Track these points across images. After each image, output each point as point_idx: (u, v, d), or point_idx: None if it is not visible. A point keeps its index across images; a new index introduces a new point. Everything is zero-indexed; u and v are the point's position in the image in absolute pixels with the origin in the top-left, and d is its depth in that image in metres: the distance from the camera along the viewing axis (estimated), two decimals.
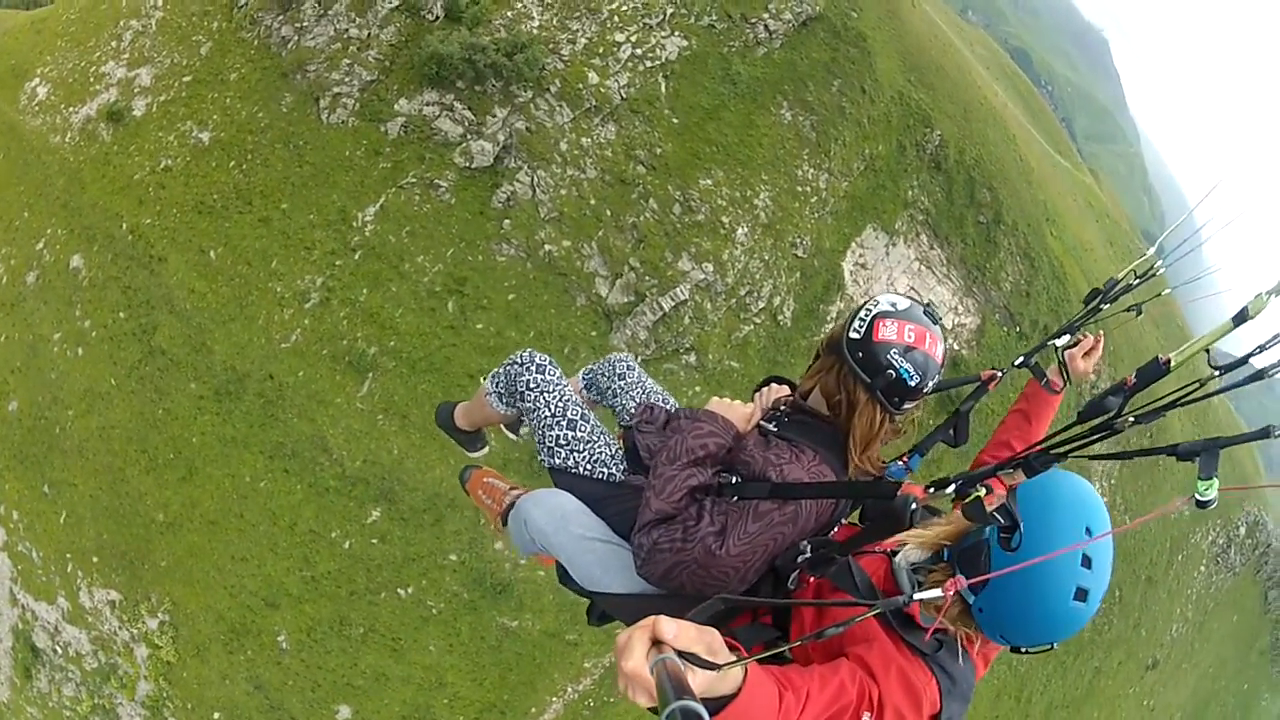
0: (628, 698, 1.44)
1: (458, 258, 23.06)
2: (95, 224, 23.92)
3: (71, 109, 25.12)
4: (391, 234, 22.84)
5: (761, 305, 23.24)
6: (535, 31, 21.64)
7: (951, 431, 3.52)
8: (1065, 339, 3.64)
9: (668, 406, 3.63)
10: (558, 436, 3.36)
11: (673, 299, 22.62)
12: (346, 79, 22.67)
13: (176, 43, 24.69)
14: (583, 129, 22.30)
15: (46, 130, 25.26)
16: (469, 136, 22.46)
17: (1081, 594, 2.10)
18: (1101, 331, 3.62)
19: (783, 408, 3.13)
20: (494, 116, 22.31)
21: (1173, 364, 2.47)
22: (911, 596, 1.96)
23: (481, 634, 23.89)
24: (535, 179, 22.44)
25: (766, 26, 23.29)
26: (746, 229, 22.89)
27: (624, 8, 22.13)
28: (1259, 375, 2.06)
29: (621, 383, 3.78)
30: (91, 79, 25.23)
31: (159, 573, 23.77)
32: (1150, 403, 2.25)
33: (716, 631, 1.57)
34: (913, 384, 2.81)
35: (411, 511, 22.91)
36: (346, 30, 22.74)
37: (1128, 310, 3.84)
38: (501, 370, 3.76)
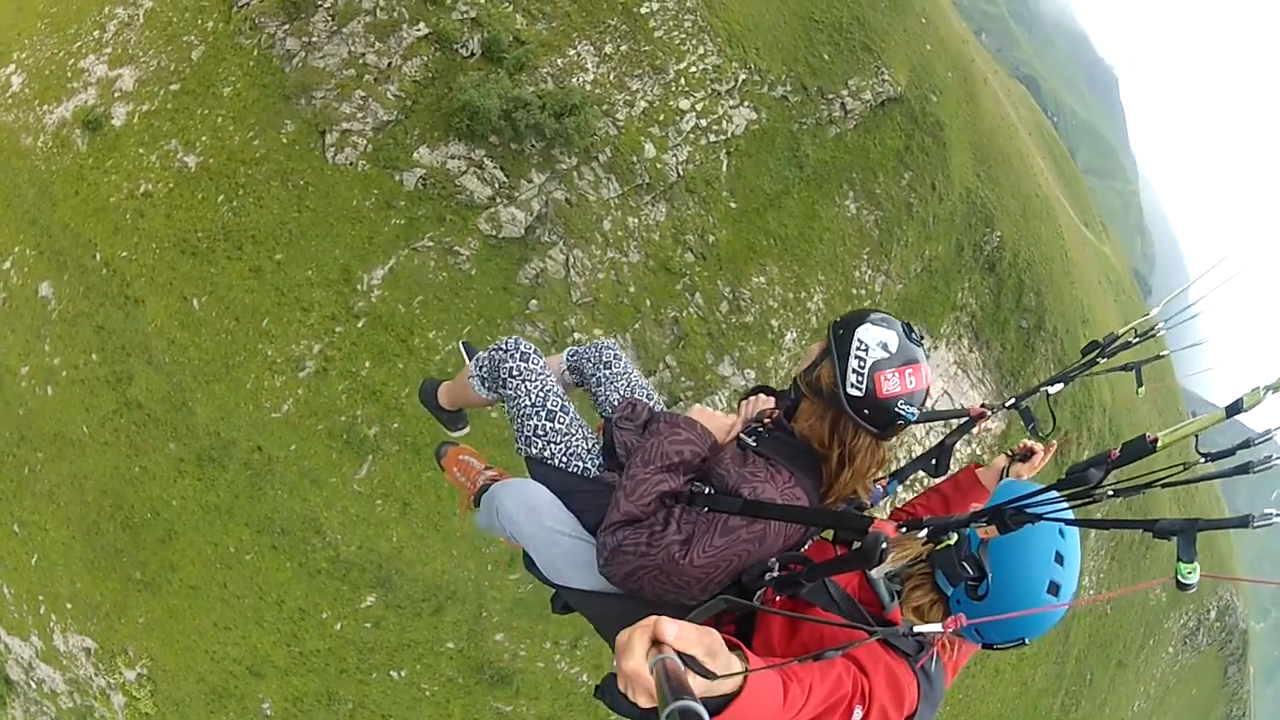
0: (630, 697, 1.13)
1: (475, 338, 16.16)
2: (66, 249, 16.64)
3: (46, 107, 17.36)
4: (401, 303, 15.88)
5: None
6: (589, 87, 14.24)
7: (934, 462, 2.79)
8: (1059, 387, 2.96)
9: (650, 404, 2.83)
10: (536, 427, 2.63)
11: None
12: (359, 114, 15.10)
13: (165, 41, 16.76)
14: (630, 207, 15.11)
15: (18, 129, 17.53)
16: (498, 201, 15.22)
17: (1054, 588, 1.81)
18: (1054, 444, 2.74)
19: (766, 423, 2.38)
20: (530, 181, 15.03)
21: (1160, 444, 1.84)
22: (912, 628, 1.61)
23: (475, 717, 18.23)
24: (571, 257, 15.40)
25: (843, 105, 16.04)
26: (795, 334, 16.17)
27: (693, 69, 14.71)
28: (1244, 468, 1.63)
29: (607, 371, 2.96)
30: (69, 74, 17.36)
31: (136, 628, 17.67)
32: (1131, 478, 1.69)
33: (716, 633, 1.23)
34: (914, 420, 2.20)
35: (409, 600, 16.91)
36: (363, 55, 15.00)
37: (1124, 369, 3.08)
38: (486, 355, 2.93)
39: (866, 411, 2.16)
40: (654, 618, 1.17)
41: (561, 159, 15.20)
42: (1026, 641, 1.93)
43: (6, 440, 17.86)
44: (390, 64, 15.53)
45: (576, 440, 2.65)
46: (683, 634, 1.17)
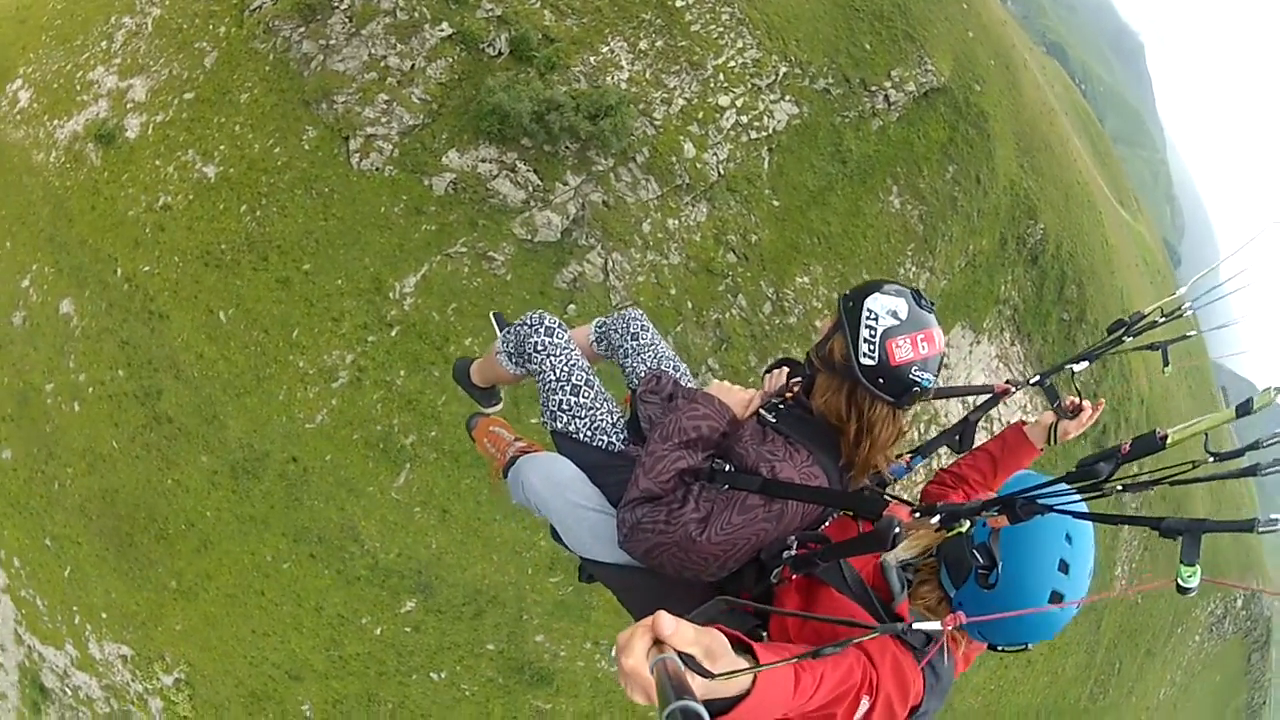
0: (628, 696, 1.07)
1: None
2: (85, 265, 15.39)
3: (56, 122, 15.96)
4: (435, 310, 14.73)
5: None
6: (624, 86, 12.96)
7: (958, 438, 2.66)
8: (1084, 365, 2.72)
9: (677, 375, 2.66)
10: (561, 401, 2.49)
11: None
12: (384, 119, 13.79)
13: (176, 49, 15.34)
14: (670, 208, 13.93)
15: (29, 145, 16.14)
16: (533, 204, 13.99)
17: (1057, 597, 1.68)
18: (1103, 401, 2.62)
19: (788, 398, 2.25)
20: (565, 184, 13.81)
21: (1169, 441, 1.80)
22: (911, 626, 1.54)
23: (514, 714, 17.57)
24: (609, 261, 14.25)
25: (887, 97, 14.80)
26: None
27: (732, 63, 13.43)
28: (1251, 470, 1.55)
29: (635, 343, 2.78)
30: (78, 86, 15.92)
31: (173, 635, 16.79)
32: (1139, 474, 1.61)
33: (718, 633, 1.16)
34: (930, 387, 2.06)
35: (449, 605, 16.02)
36: (384, 58, 13.65)
37: (1150, 348, 2.88)
38: (512, 330, 2.77)
39: (881, 380, 2.03)
40: (654, 616, 1.07)
41: (598, 160, 13.94)
42: (1029, 646, 1.82)
43: (35, 457, 16.74)
44: (414, 66, 14.15)
45: (601, 415, 2.51)
46: (680, 633, 1.07)
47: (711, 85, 14.11)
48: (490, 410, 3.52)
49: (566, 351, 2.60)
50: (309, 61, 14.87)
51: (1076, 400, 2.59)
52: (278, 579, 16.19)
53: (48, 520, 16.84)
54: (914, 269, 16.08)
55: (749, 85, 14.32)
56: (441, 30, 14.08)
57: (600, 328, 2.96)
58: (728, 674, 1.12)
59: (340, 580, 16.27)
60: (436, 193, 14.73)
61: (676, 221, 14.56)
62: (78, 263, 16.01)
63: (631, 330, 2.83)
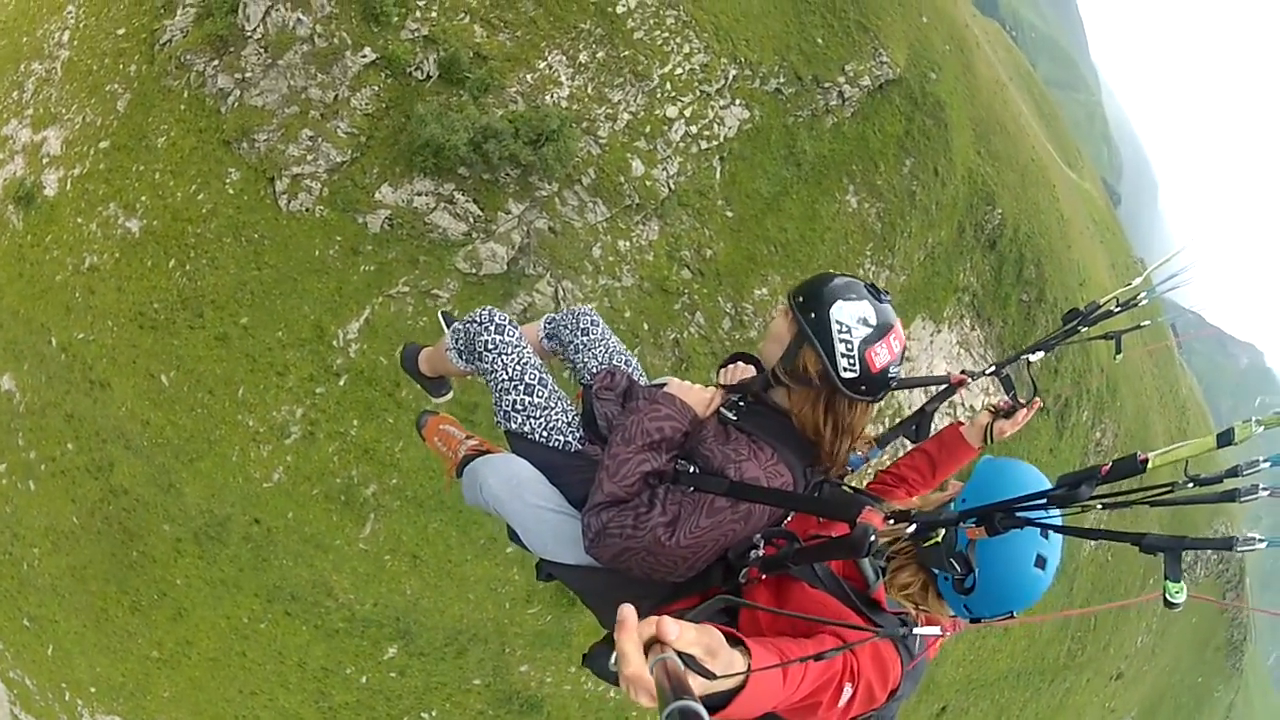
0: (629, 698, 0.98)
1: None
2: (20, 338, 13.42)
3: None
4: (383, 354, 12.84)
5: None
6: (564, 105, 10.95)
7: (914, 428, 2.50)
8: (1039, 355, 2.68)
9: (629, 371, 2.45)
10: (514, 401, 2.26)
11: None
12: (309, 157, 11.72)
13: (88, 94, 13.19)
14: (620, 229, 11.96)
15: None
16: (475, 236, 12.01)
17: (1041, 561, 1.62)
18: (1038, 401, 2.46)
19: (747, 396, 2.02)
20: (508, 213, 11.81)
21: (1149, 465, 1.66)
22: (913, 629, 1.50)
23: None
24: (560, 289, 12.33)
25: (841, 93, 12.79)
26: None
27: (679, 71, 11.45)
28: (1230, 495, 1.45)
29: (585, 339, 2.54)
30: None
31: (163, 702, 15.16)
32: (1119, 493, 1.52)
33: (716, 631, 1.11)
34: (899, 374, 1.94)
35: (431, 647, 14.43)
36: (305, 89, 11.54)
37: (1105, 338, 2.80)
38: (461, 327, 2.48)
39: (864, 387, 1.87)
40: (655, 617, 1.01)
41: (541, 186, 11.92)
42: (1015, 614, 1.68)
43: (0, 539, 14.86)
44: (337, 97, 12.03)
45: (556, 414, 2.27)
46: (683, 634, 1.01)
47: (658, 96, 12.03)
48: (440, 400, 3.25)
49: (518, 350, 2.31)
50: (226, 97, 12.72)
51: (1009, 401, 2.41)
52: (257, 639, 14.51)
53: (22, 601, 15.05)
54: (873, 268, 14.20)
55: (697, 93, 12.24)
56: (364, 56, 11.93)
57: (550, 324, 2.68)
58: (727, 675, 1.06)
59: (319, 634, 14.60)
60: (372, 231, 12.70)
61: (628, 243, 12.58)
62: (11, 336, 14.00)
63: (581, 325, 2.55)
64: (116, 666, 15.12)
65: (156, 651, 14.87)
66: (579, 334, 2.55)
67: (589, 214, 12.35)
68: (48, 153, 14.00)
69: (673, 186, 12.58)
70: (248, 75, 12.56)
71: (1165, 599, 1.41)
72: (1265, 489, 1.42)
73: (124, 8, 13.71)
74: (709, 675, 1.02)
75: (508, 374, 2.27)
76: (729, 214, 13.22)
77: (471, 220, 12.47)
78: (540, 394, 2.26)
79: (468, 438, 2.68)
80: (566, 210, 12.35)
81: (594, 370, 2.47)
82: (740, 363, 2.17)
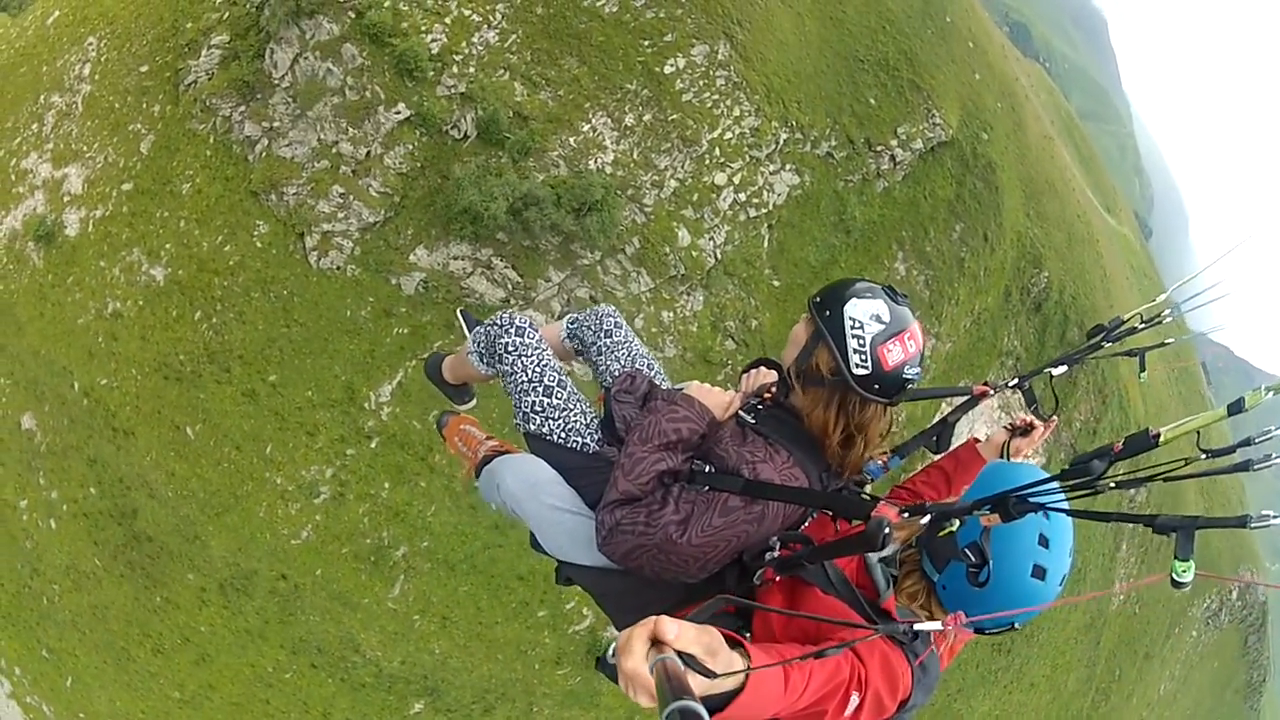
0: (629, 698, 0.95)
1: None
2: (41, 378, 12.37)
3: None
4: (415, 419, 11.81)
5: None
6: (609, 170, 9.68)
7: (935, 438, 2.28)
8: (1062, 369, 2.41)
9: (651, 375, 2.26)
10: (533, 403, 2.11)
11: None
12: (340, 214, 10.48)
13: (110, 132, 11.96)
14: (664, 299, 10.75)
15: None
16: (513, 302, 10.85)
17: (1039, 571, 1.49)
18: (1054, 419, 2.28)
19: (765, 399, 1.93)
20: (548, 280, 10.63)
21: (1162, 439, 1.58)
22: (913, 627, 1.35)
23: None
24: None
25: (893, 156, 11.60)
26: None
27: (728, 135, 10.23)
28: (1244, 466, 1.37)
29: (607, 340, 2.33)
30: (13, 176, 12.67)
31: None
32: (1133, 470, 1.40)
33: (716, 631, 1.04)
34: (919, 381, 1.81)
35: (459, 704, 13.63)
36: (335, 144, 10.25)
37: (1129, 354, 2.49)
38: (483, 330, 2.34)
39: (877, 386, 1.74)
40: (654, 618, 0.96)
41: (583, 254, 10.70)
42: (1016, 626, 1.56)
43: (20, 572, 13.99)
44: (369, 153, 10.72)
45: (575, 416, 2.11)
46: (683, 634, 0.96)
47: (706, 162, 10.71)
48: (463, 408, 2.94)
49: (538, 352, 2.17)
50: (253, 145, 11.41)
51: (1028, 418, 2.24)
52: (281, 688, 13.67)
53: (41, 633, 14.20)
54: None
55: (747, 158, 10.93)
56: (398, 113, 10.59)
57: (572, 324, 2.43)
58: (729, 673, 1.00)
59: (345, 687, 13.75)
60: (406, 292, 11.49)
61: (671, 313, 11.37)
62: (33, 375, 12.90)
63: (605, 327, 2.33)
64: (137, 704, 14.31)
65: (178, 693, 14.05)
66: (601, 335, 2.37)
67: (632, 284, 11.13)
68: (69, 190, 12.73)
69: (719, 256, 11.34)
70: (276, 125, 11.22)
71: (1172, 579, 1.26)
72: (1279, 456, 1.32)
73: (147, 44, 12.29)
74: (709, 674, 0.95)
75: (527, 375, 2.15)
76: (775, 283, 11.99)
77: (510, 286, 11.25)
78: (559, 395, 2.13)
79: (488, 438, 2.52)
80: (609, 279, 11.12)
81: (615, 373, 2.32)
82: (763, 367, 2.07)
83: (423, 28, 10.76)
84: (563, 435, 2.07)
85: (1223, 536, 23.98)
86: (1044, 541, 1.49)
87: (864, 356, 1.69)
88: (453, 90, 10.60)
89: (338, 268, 11.50)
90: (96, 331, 12.52)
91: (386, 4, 10.66)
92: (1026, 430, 2.22)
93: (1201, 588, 24.45)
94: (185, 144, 11.96)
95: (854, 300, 1.70)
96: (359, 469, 12.35)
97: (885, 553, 1.52)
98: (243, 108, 11.41)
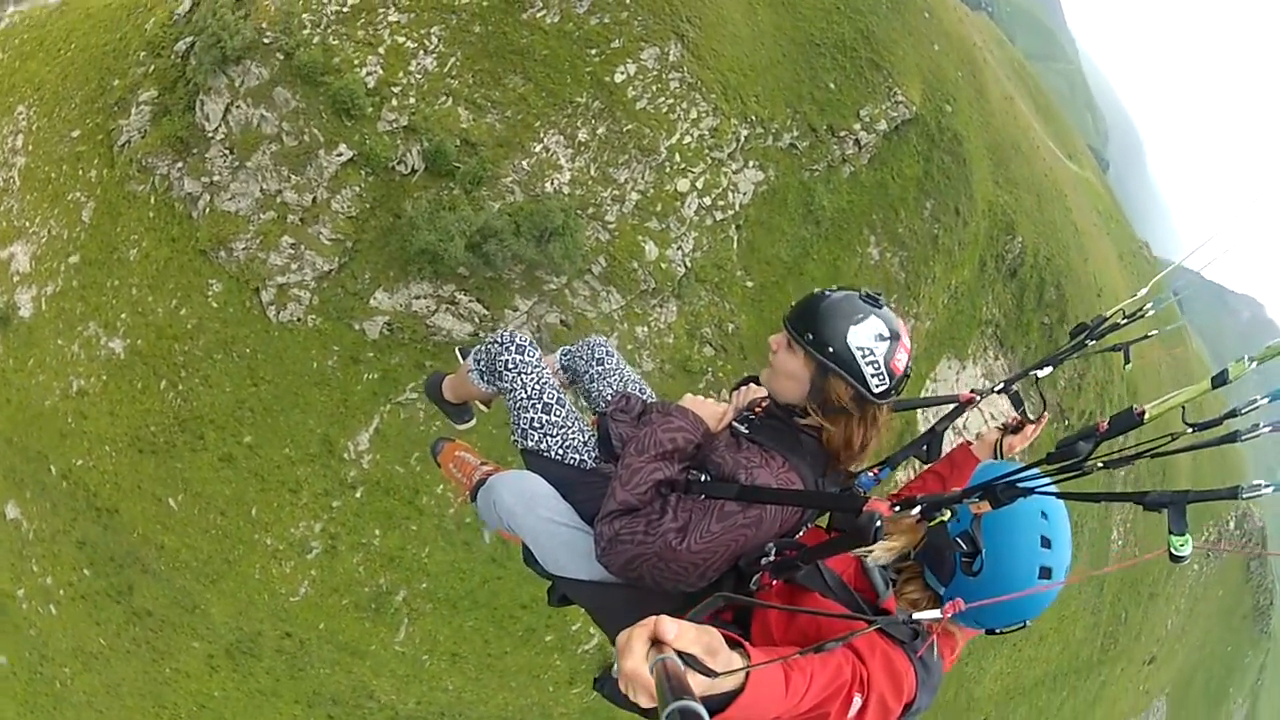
0: (629, 698, 0.92)
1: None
2: (17, 466, 11.73)
3: None
4: (397, 463, 11.12)
5: None
6: (566, 190, 8.78)
7: (924, 448, 2.24)
8: (1047, 370, 2.32)
9: (644, 397, 2.26)
10: (532, 419, 2.10)
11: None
12: (294, 265, 9.75)
13: (49, 204, 11.20)
14: (636, 314, 10.05)
15: None
16: (482, 336, 9.95)
17: (1046, 572, 1.47)
18: (1045, 415, 2.23)
19: (758, 410, 1.91)
20: (515, 310, 9.88)
21: (1147, 416, 1.53)
22: (911, 615, 1.35)
23: None
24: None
25: (857, 140, 10.82)
26: None
27: (686, 140, 9.38)
28: (1231, 438, 1.39)
29: (599, 368, 2.36)
30: None
31: None
32: (1120, 449, 1.39)
33: (716, 631, 1.01)
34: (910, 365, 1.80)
35: None
36: (279, 193, 9.48)
37: (1113, 349, 2.45)
38: (483, 348, 2.34)
39: (893, 392, 1.76)
40: (654, 618, 0.93)
41: (549, 279, 9.96)
42: (1027, 624, 1.53)
43: (29, 660, 13.39)
44: (315, 199, 9.94)
45: (572, 433, 2.09)
46: (682, 633, 0.93)
47: (667, 170, 9.92)
48: (462, 427, 2.91)
49: (537, 370, 2.17)
50: (195, 201, 10.62)
51: (1018, 416, 2.21)
52: None
53: (59, 716, 13.64)
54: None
55: (708, 161, 10.12)
56: (340, 154, 9.79)
57: (565, 356, 2.47)
58: (730, 671, 0.98)
59: None
60: (370, 337, 10.76)
61: (645, 328, 10.66)
62: (9, 464, 12.21)
63: (596, 355, 2.37)
64: None
65: None
66: (594, 364, 2.35)
67: (602, 303, 10.39)
68: (17, 270, 11.94)
69: (689, 264, 10.58)
70: (216, 179, 10.42)
71: (1170, 553, 1.25)
72: (1266, 425, 1.29)
73: (76, 107, 11.44)
74: (709, 673, 0.93)
75: (526, 392, 2.10)
76: (749, 284, 11.25)
77: (477, 320, 10.52)
78: (558, 413, 2.09)
79: (482, 463, 2.45)
80: (578, 301, 10.38)
81: (608, 397, 2.28)
82: (753, 384, 1.99)
83: (356, 61, 9.92)
84: (560, 451, 2.04)
85: (1213, 470, 23.37)
86: (1046, 543, 1.44)
87: (881, 377, 1.68)
88: (394, 124, 9.78)
89: (298, 319, 10.76)
90: (65, 412, 11.81)
91: (315, 40, 9.81)
92: (1018, 428, 2.17)
93: (1197, 520, 23.91)
94: (126, 207, 11.16)
95: (852, 329, 1.67)
96: (347, 520, 11.70)
97: (878, 553, 1.50)
98: (180, 164, 10.60)
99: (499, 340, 2.20)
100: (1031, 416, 2.20)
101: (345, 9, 9.87)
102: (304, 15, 9.62)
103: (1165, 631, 25.48)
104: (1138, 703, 26.04)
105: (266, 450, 11.34)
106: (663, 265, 10.28)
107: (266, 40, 9.47)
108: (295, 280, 10.46)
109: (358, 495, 11.61)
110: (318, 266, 10.29)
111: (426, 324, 10.60)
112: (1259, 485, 1.20)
